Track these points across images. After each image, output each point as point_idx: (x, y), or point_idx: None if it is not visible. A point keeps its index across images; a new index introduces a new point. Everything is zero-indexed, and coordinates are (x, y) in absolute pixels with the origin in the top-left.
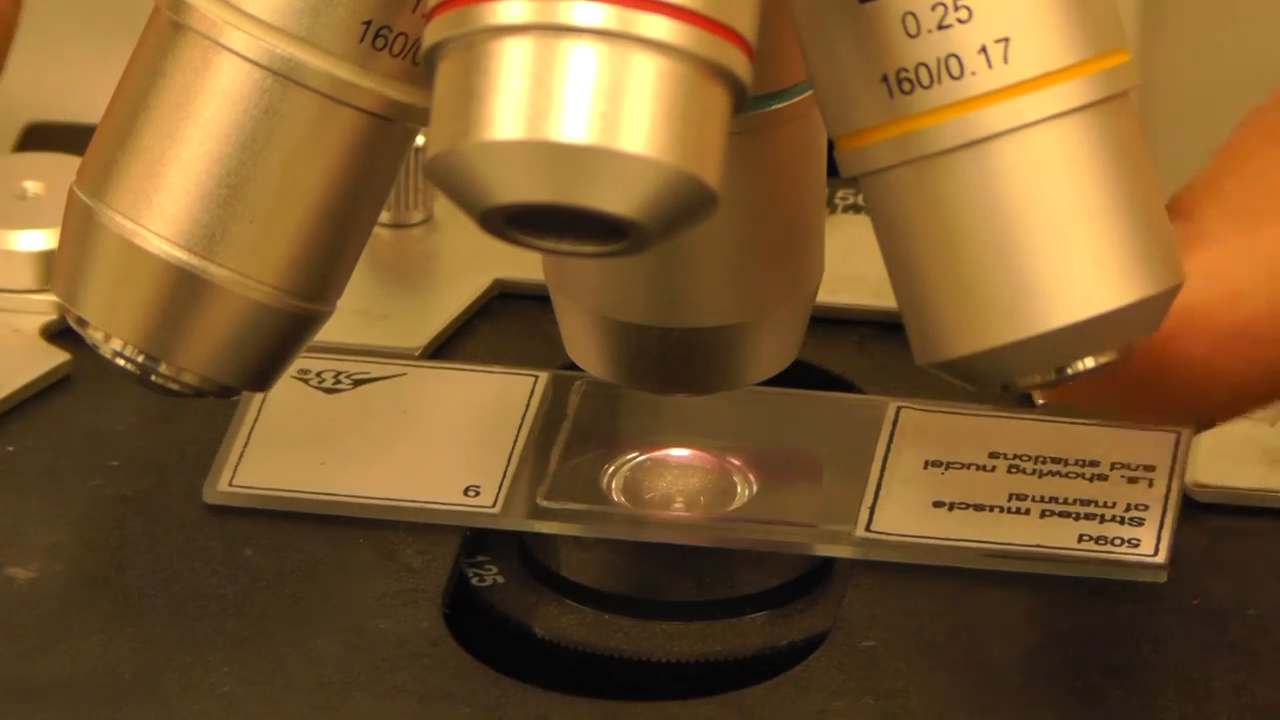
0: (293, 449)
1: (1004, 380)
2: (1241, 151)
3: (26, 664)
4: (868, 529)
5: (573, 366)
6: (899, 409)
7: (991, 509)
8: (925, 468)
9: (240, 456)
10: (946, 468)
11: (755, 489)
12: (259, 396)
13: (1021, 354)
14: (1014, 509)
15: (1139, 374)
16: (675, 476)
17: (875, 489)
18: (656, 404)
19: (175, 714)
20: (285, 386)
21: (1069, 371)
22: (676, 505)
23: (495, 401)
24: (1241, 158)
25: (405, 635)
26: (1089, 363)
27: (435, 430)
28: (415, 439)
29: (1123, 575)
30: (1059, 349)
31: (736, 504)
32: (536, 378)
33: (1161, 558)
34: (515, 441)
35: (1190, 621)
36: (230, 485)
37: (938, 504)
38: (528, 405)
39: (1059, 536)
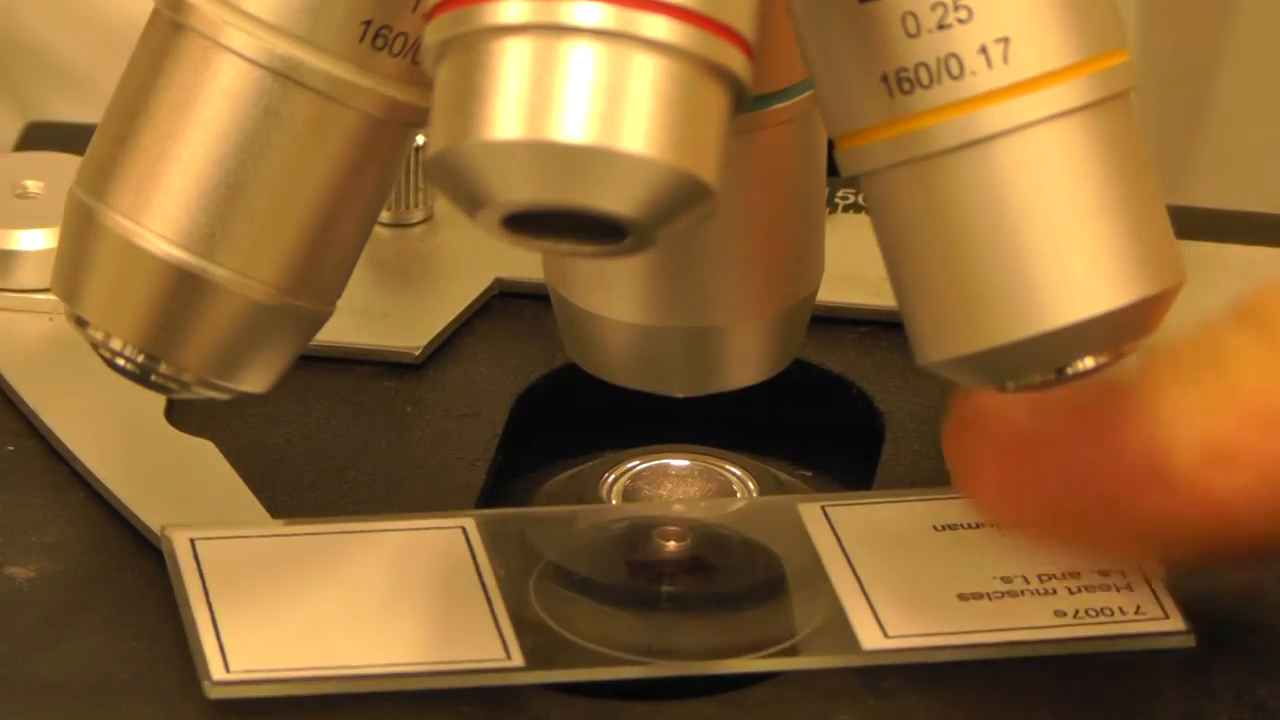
0: (269, 617)
1: (1003, 379)
2: None
3: (26, 663)
4: (886, 636)
5: (567, 373)
6: (824, 508)
7: (991, 596)
8: (894, 561)
9: (219, 636)
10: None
11: (755, 492)
12: (190, 564)
13: (1021, 353)
14: (1014, 591)
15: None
16: (675, 483)
17: (863, 593)
18: (657, 405)
19: (174, 713)
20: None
21: (1068, 371)
22: (676, 509)
23: (437, 555)
24: None
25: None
26: (1088, 362)
27: (397, 593)
28: (389, 603)
29: (1150, 645)
30: (1058, 349)
31: (734, 508)
32: (464, 527)
33: (1179, 622)
34: (484, 587)
35: (1190, 619)
36: (227, 673)
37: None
38: (473, 554)
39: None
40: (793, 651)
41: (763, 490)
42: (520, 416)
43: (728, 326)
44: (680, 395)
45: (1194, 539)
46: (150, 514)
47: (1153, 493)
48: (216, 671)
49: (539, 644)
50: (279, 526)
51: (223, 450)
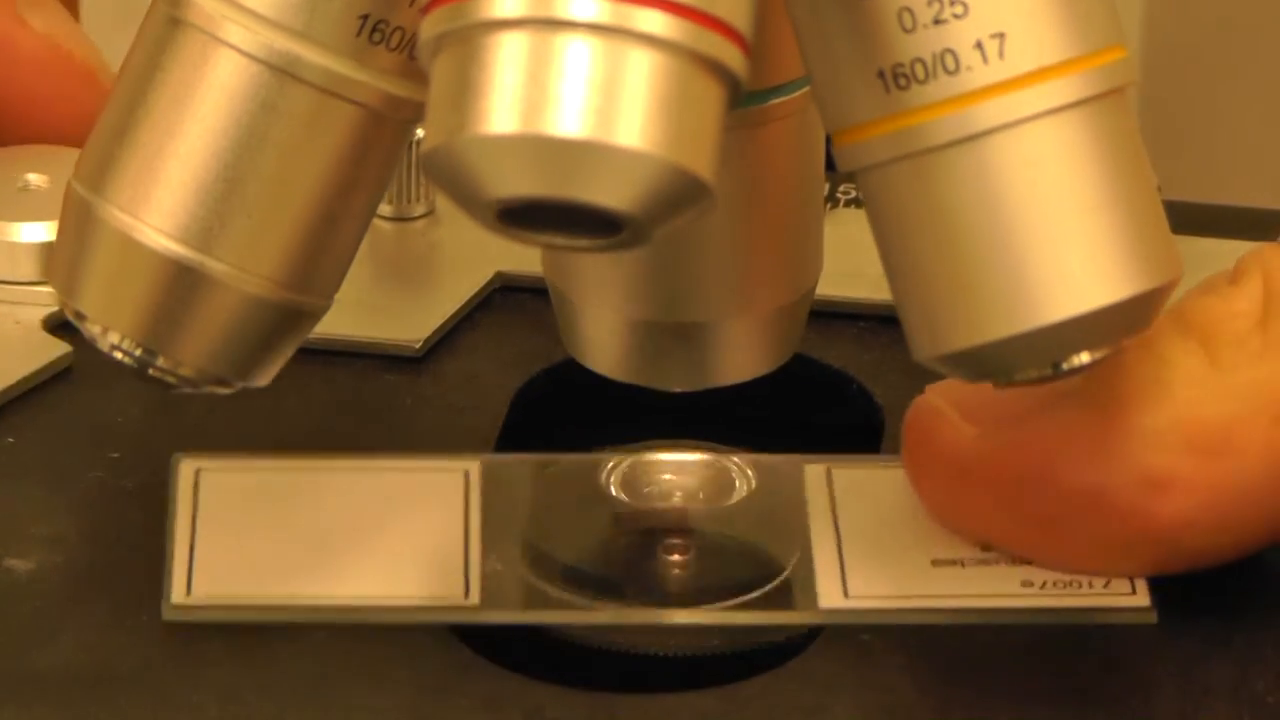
0: (244, 548)
1: (1000, 375)
2: None
3: (25, 655)
4: (846, 595)
5: (566, 369)
6: (829, 469)
7: (965, 563)
8: (881, 526)
9: (191, 561)
10: (904, 523)
11: (754, 484)
12: (188, 493)
13: (1018, 348)
14: (988, 560)
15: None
16: (673, 474)
17: (838, 553)
18: (656, 399)
19: (172, 706)
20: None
21: (1065, 366)
22: (675, 501)
23: (431, 496)
24: None
25: (402, 628)
26: (1084, 357)
27: (382, 529)
28: (366, 538)
29: (1114, 620)
30: (1055, 344)
31: (735, 499)
32: (467, 470)
33: (1145, 598)
34: (466, 532)
35: (1188, 618)
36: (187, 596)
37: (922, 562)
38: (466, 497)
39: (1033, 581)
40: (748, 606)
41: (763, 482)
42: (520, 410)
43: (727, 322)
44: (679, 391)
45: (1133, 561)
46: None
47: (1091, 518)
48: (177, 595)
49: (502, 587)
50: (289, 461)
51: (223, 443)
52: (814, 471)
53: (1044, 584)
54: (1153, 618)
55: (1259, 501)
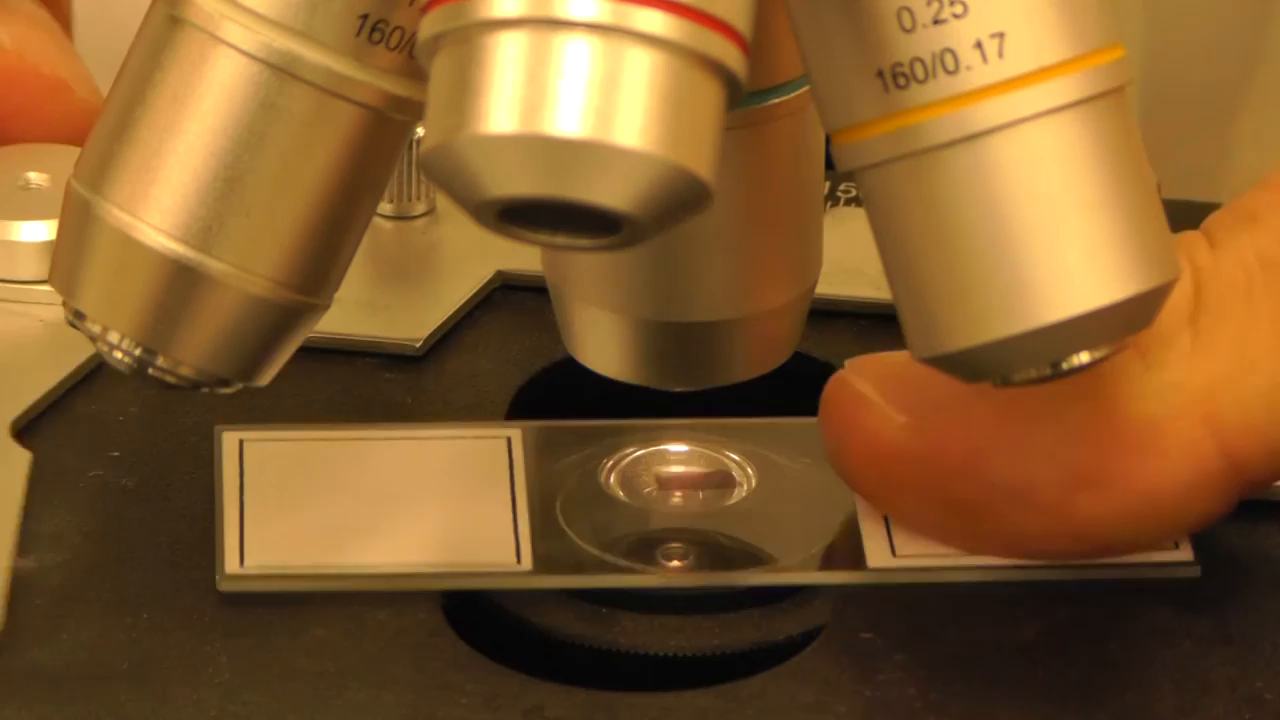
0: (293, 518)
1: (999, 374)
2: None
3: (25, 654)
4: (894, 554)
5: (568, 366)
6: None
7: None
8: None
9: (241, 532)
10: None
11: (754, 483)
12: (233, 464)
13: (1016, 348)
14: None
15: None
16: (674, 471)
17: (884, 517)
18: (655, 399)
19: (173, 704)
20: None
21: (1064, 366)
22: (675, 499)
23: (476, 463)
24: None
25: (403, 626)
26: (1084, 357)
27: (429, 497)
28: (414, 507)
29: (1158, 575)
30: (1054, 344)
31: (735, 499)
32: (509, 437)
33: (1188, 553)
34: (513, 498)
35: (1187, 616)
36: (241, 567)
37: None
38: (510, 463)
39: None
40: (799, 568)
41: (763, 477)
42: (521, 409)
43: (726, 321)
44: (679, 390)
45: (1061, 555)
46: None
47: (1015, 510)
48: (231, 566)
49: (553, 553)
50: (329, 431)
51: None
52: None
53: None
54: (1197, 571)
55: (1180, 502)
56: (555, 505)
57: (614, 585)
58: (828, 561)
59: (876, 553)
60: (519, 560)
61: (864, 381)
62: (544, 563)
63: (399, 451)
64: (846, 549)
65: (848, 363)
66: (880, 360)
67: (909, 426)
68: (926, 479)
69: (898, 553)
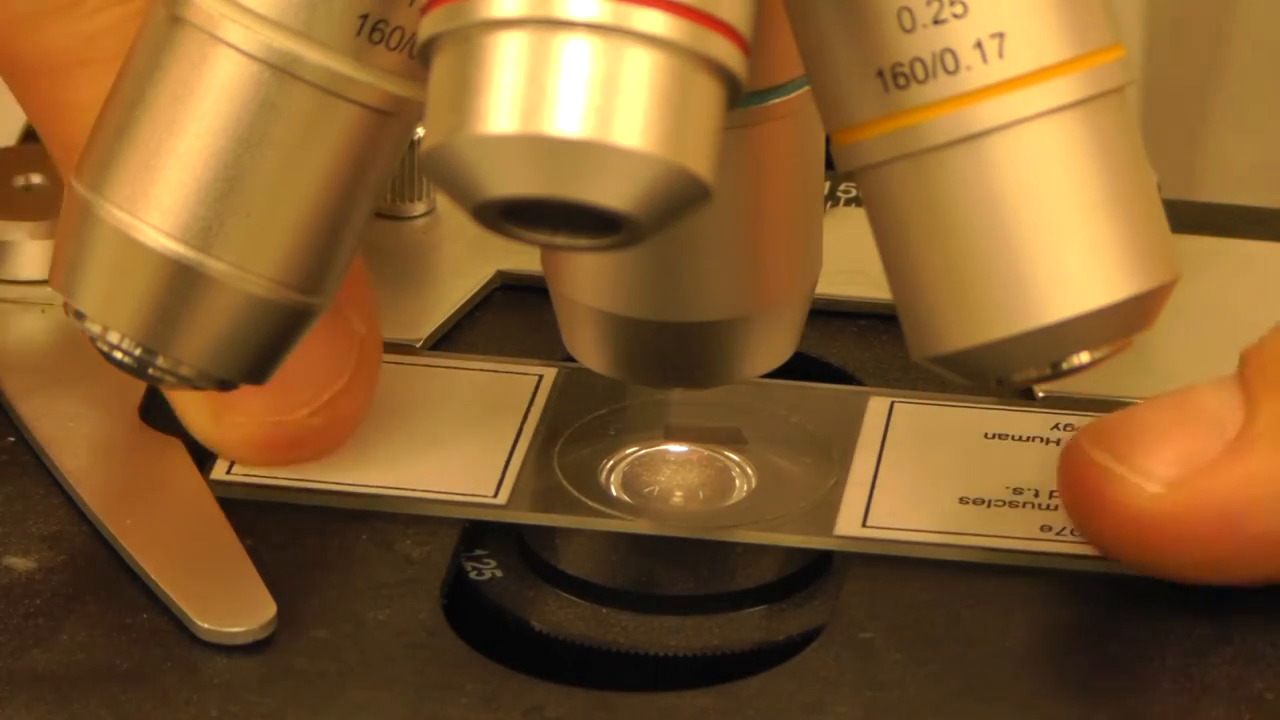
0: None
1: (999, 375)
2: None
3: (25, 655)
4: (864, 525)
5: (571, 360)
6: (892, 403)
7: (992, 504)
8: (922, 461)
9: None
10: (945, 460)
11: (754, 483)
12: None
13: (1016, 349)
14: (1016, 503)
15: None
16: (674, 471)
17: (871, 484)
18: (655, 398)
19: (173, 704)
20: None
21: (1064, 367)
22: (676, 499)
23: (497, 396)
24: None
25: (403, 626)
26: (1084, 358)
27: (436, 423)
28: (415, 432)
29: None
30: (1054, 344)
31: (735, 499)
32: (541, 375)
33: None
34: (518, 435)
35: (1187, 616)
36: (227, 474)
37: (949, 499)
38: (531, 401)
39: (1052, 526)
40: (768, 528)
41: (763, 478)
42: None
43: (726, 321)
44: (679, 389)
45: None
46: (112, 516)
47: (1272, 559)
48: (216, 471)
49: (532, 490)
50: None
51: None
52: (877, 404)
53: (1062, 529)
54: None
55: None
56: (556, 446)
57: (572, 526)
58: (797, 525)
59: (847, 521)
60: (496, 494)
61: (1101, 451)
62: (520, 498)
63: (428, 377)
64: (822, 513)
65: (1079, 430)
66: (1112, 425)
67: (1160, 497)
68: (1185, 544)
69: (869, 523)
